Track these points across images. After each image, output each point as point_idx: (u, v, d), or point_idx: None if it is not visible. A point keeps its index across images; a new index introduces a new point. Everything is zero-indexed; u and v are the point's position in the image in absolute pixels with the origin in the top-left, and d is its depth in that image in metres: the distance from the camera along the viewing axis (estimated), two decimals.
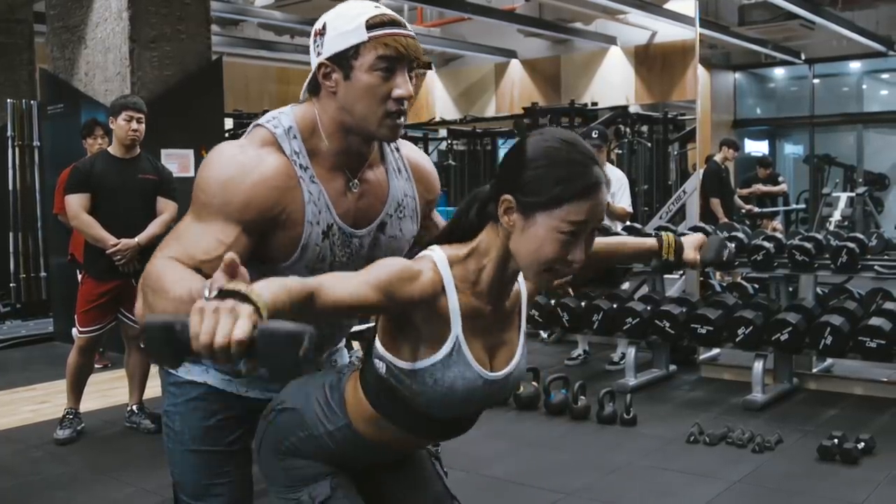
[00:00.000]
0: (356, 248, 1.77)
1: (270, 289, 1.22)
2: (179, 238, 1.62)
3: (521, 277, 1.66)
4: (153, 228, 4.49)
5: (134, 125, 4.46)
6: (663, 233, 2.04)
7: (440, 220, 2.00)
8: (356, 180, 1.75)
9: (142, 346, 1.19)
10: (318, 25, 1.70)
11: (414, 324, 1.53)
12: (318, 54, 1.68)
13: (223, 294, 1.17)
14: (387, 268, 1.46)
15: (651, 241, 2.04)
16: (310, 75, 1.72)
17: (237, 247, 1.60)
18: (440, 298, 1.52)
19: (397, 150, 1.87)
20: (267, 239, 1.67)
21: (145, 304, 1.50)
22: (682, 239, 2.05)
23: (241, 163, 1.65)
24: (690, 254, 2.02)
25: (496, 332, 1.63)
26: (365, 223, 1.78)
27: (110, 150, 4.57)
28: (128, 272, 4.45)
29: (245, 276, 1.24)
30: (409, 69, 1.67)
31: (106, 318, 4.53)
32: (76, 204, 4.44)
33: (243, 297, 1.16)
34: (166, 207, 4.58)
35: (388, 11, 1.67)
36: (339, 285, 1.39)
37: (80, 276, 4.69)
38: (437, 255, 1.55)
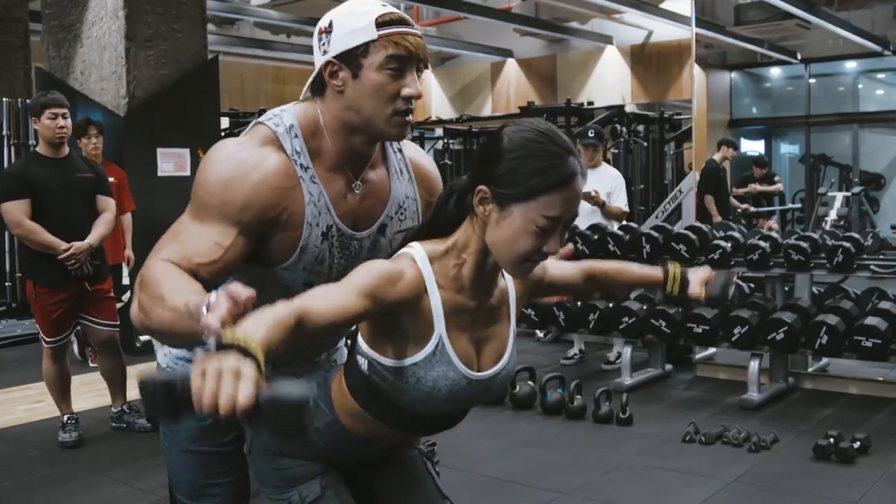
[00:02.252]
0: (355, 251, 1.75)
1: (261, 328, 1.21)
2: (177, 238, 1.60)
3: (508, 276, 1.66)
4: (101, 228, 4.38)
5: (60, 122, 4.26)
6: (670, 264, 2.01)
7: None
8: (359, 181, 1.73)
9: (139, 393, 1.18)
10: (323, 23, 1.67)
11: (398, 323, 1.52)
12: (325, 52, 1.65)
13: (223, 346, 1.16)
14: (369, 273, 1.45)
15: (657, 273, 2.01)
16: (313, 73, 1.69)
17: (234, 249, 1.59)
18: (422, 298, 1.51)
19: (399, 151, 1.84)
20: (266, 240, 1.65)
21: (141, 310, 1.49)
22: (689, 272, 2.01)
23: (242, 161, 1.63)
24: (696, 289, 1.98)
25: (483, 329, 1.61)
26: (365, 225, 1.76)
27: (39, 150, 4.37)
28: (80, 276, 4.32)
29: (247, 305, 1.25)
30: (416, 69, 1.66)
31: (70, 322, 4.41)
32: (16, 211, 4.21)
33: (244, 351, 1.15)
34: (107, 205, 4.47)
35: (397, 10, 1.65)
36: (324, 302, 1.38)
37: (30, 288, 4.40)
38: (417, 253, 1.54)
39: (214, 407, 1.11)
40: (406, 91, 1.63)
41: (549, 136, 1.50)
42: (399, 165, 1.83)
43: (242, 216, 1.60)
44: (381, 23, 1.61)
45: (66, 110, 4.32)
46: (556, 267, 1.82)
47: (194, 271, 1.54)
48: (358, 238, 1.75)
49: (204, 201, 1.61)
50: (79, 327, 4.51)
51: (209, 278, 1.56)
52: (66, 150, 4.40)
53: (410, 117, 1.68)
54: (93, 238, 4.34)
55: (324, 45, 1.66)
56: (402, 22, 1.63)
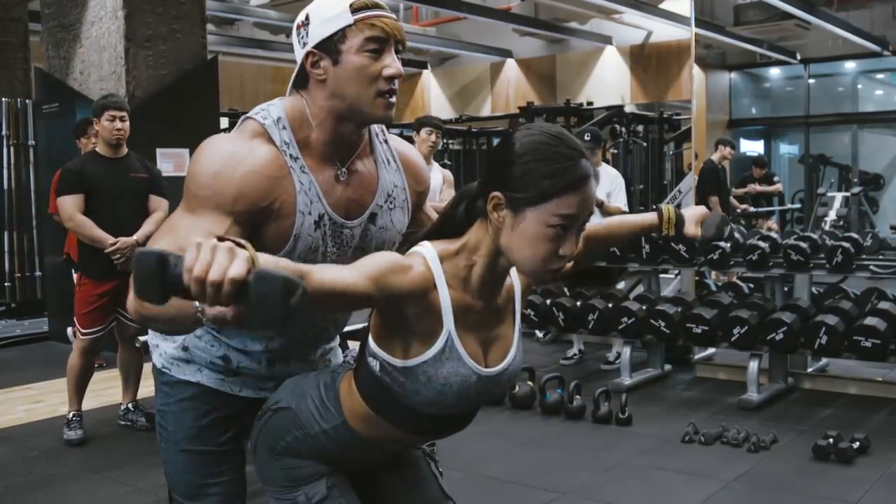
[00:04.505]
0: (347, 239, 1.77)
1: (267, 257, 1.22)
2: (171, 230, 1.62)
3: (513, 272, 1.66)
4: (149, 226, 4.50)
5: (118, 124, 4.44)
6: (663, 205, 2.04)
7: (433, 213, 2.00)
8: (344, 169, 1.75)
9: (130, 271, 1.16)
10: (300, 18, 1.71)
11: (406, 320, 1.52)
12: (304, 45, 1.69)
13: (220, 240, 1.16)
14: (378, 260, 1.46)
15: (651, 217, 2.04)
16: (296, 69, 1.72)
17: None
18: (431, 293, 1.52)
19: (385, 142, 1.87)
20: (259, 230, 1.66)
21: (136, 299, 1.50)
22: (683, 212, 2.04)
23: (231, 153, 1.65)
24: (691, 228, 2.02)
25: (489, 328, 1.62)
26: (356, 214, 1.77)
27: (98, 150, 4.55)
28: (126, 271, 4.42)
29: None
30: (395, 49, 1.68)
31: (107, 318, 4.52)
32: (70, 205, 4.43)
33: (238, 245, 1.16)
34: (159, 205, 4.60)
35: None
36: (329, 273, 1.37)
37: (75, 278, 4.66)
38: (428, 251, 1.55)
39: (204, 278, 1.10)
40: (387, 71, 1.66)
41: (561, 138, 1.50)
42: (386, 155, 1.85)
43: (235, 205, 1.61)
44: (355, 8, 1.65)
45: (124, 113, 4.50)
46: None
47: None
48: (349, 227, 1.76)
49: (195, 194, 1.63)
50: (114, 322, 4.59)
51: None
52: (125, 150, 4.58)
53: (394, 98, 1.70)
54: (140, 235, 4.47)
55: (302, 37, 1.69)
56: (375, 6, 1.67)
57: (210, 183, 1.62)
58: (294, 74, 1.73)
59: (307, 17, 1.69)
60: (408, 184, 1.88)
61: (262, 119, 1.69)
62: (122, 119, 4.46)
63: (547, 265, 1.50)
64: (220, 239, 1.16)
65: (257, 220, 1.65)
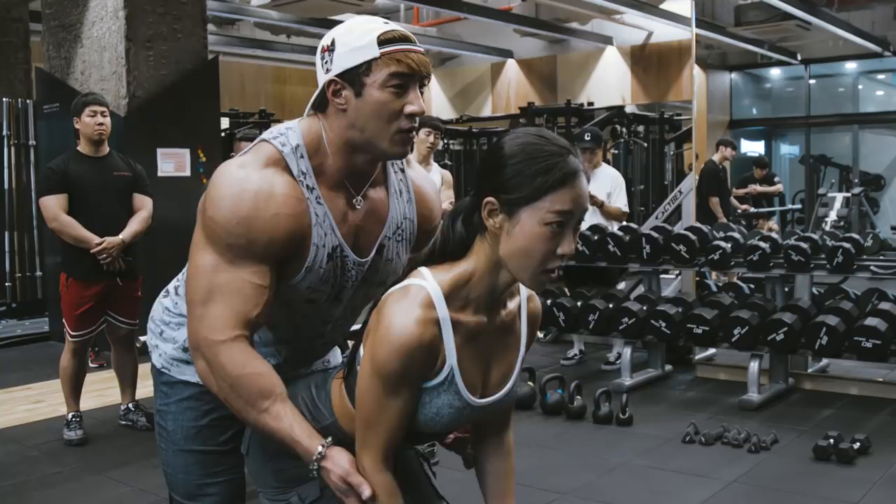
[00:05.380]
0: (357, 272, 1.75)
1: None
2: (217, 292, 1.61)
3: (523, 299, 1.66)
4: (134, 225, 4.46)
5: (99, 119, 4.42)
6: None
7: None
8: (360, 197, 1.73)
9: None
10: (325, 42, 1.66)
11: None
12: (327, 71, 1.64)
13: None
14: (389, 363, 1.48)
15: None
16: (317, 91, 1.68)
17: (273, 284, 1.63)
18: (440, 348, 1.51)
19: (401, 171, 1.83)
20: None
21: (226, 399, 1.63)
22: None
23: (255, 193, 1.61)
24: None
25: (493, 347, 1.61)
26: (365, 243, 1.75)
27: (80, 149, 4.51)
28: (113, 271, 4.41)
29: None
30: (419, 85, 1.66)
31: (97, 319, 4.50)
32: (54, 205, 4.35)
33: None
34: (143, 203, 4.56)
35: (399, 27, 1.65)
36: (382, 434, 1.54)
37: (63, 280, 4.52)
38: (431, 286, 1.51)
39: None
40: (409, 108, 1.63)
41: (547, 137, 1.52)
42: (399, 186, 1.82)
43: (268, 250, 1.61)
44: (383, 40, 1.61)
45: (105, 109, 4.47)
46: None
47: (253, 324, 1.61)
48: (361, 263, 1.75)
49: (228, 243, 1.61)
50: (104, 325, 4.56)
51: (263, 323, 1.67)
52: (106, 148, 4.54)
53: (413, 135, 1.68)
54: (125, 234, 4.43)
55: (326, 63, 1.65)
56: (404, 39, 1.63)
57: (243, 232, 1.59)
58: (314, 97, 1.69)
59: (333, 43, 1.64)
60: (417, 219, 1.85)
61: (280, 146, 1.66)
62: (103, 115, 4.43)
63: (545, 266, 1.50)
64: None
65: (285, 257, 1.65)
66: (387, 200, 1.78)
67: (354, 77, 1.62)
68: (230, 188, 1.62)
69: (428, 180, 1.93)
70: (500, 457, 1.83)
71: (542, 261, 1.49)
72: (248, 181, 1.62)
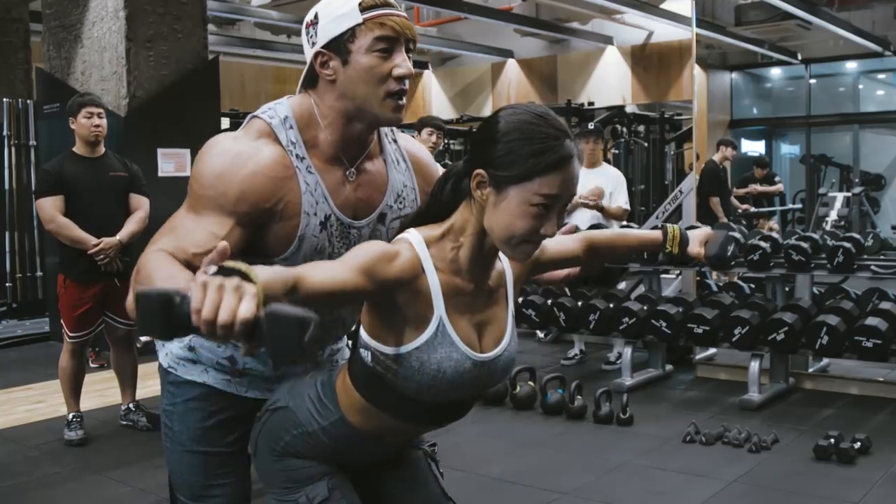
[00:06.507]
0: (355, 239, 1.75)
1: (264, 272, 1.21)
2: (173, 230, 1.61)
3: (504, 259, 1.66)
4: (131, 226, 4.46)
5: (95, 120, 4.41)
6: (668, 225, 2.03)
7: None
8: (353, 169, 1.75)
9: (133, 318, 1.14)
10: (308, 17, 1.69)
11: (397, 307, 1.52)
12: (313, 44, 1.67)
13: (224, 271, 1.14)
14: (365, 251, 1.46)
15: (655, 234, 2.03)
16: (305, 68, 1.70)
17: (231, 239, 1.58)
18: (420, 278, 1.52)
19: (395, 141, 1.86)
20: (263, 231, 1.66)
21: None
22: (689, 232, 2.03)
23: (237, 153, 1.64)
24: (695, 248, 2.01)
25: (481, 311, 1.62)
26: (364, 214, 1.77)
27: (76, 150, 4.50)
28: (111, 272, 4.41)
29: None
30: (405, 49, 1.67)
31: (95, 320, 4.49)
32: (50, 207, 4.35)
33: (245, 277, 1.14)
34: (140, 204, 4.56)
35: None
36: (321, 273, 1.37)
37: (60, 281, 4.51)
38: (413, 237, 1.55)
39: (213, 320, 1.09)
40: (397, 70, 1.65)
41: (546, 118, 1.51)
42: (395, 155, 1.84)
43: (237, 206, 1.61)
44: (365, 7, 1.63)
45: (101, 110, 4.46)
46: (554, 242, 1.82)
47: (189, 262, 1.52)
48: (357, 227, 1.76)
49: (199, 194, 1.63)
50: (102, 325, 4.56)
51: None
52: (102, 149, 4.53)
53: (404, 99, 1.69)
54: (123, 234, 4.43)
55: (311, 37, 1.68)
56: (385, 4, 1.65)
57: (213, 183, 1.61)
58: (303, 74, 1.72)
59: (316, 16, 1.67)
60: (417, 184, 1.88)
61: (268, 118, 1.69)
62: (99, 115, 4.42)
63: (526, 239, 1.50)
64: (223, 269, 1.14)
65: (261, 221, 1.64)
66: (385, 171, 1.81)
67: (340, 45, 1.64)
68: (214, 151, 1.66)
69: (419, 145, 1.97)
70: None
71: (522, 235, 1.50)
72: (234, 146, 1.66)
